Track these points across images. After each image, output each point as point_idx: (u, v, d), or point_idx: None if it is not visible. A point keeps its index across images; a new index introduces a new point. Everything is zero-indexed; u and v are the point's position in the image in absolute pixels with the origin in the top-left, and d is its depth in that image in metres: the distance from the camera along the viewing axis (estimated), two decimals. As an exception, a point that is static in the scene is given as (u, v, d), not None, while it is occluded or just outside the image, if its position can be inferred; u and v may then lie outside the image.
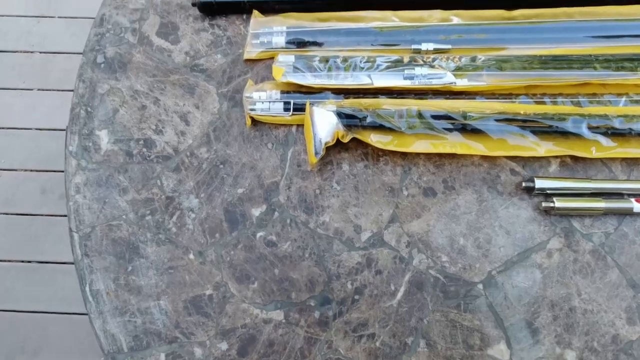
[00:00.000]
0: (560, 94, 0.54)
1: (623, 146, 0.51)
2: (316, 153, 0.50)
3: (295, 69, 0.53)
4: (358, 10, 0.58)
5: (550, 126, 0.50)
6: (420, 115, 0.50)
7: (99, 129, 0.55)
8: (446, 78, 0.53)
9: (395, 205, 0.52)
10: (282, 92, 0.54)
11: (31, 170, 1.48)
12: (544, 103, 0.53)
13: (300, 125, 0.54)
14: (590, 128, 0.50)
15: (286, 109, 0.53)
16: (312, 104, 0.51)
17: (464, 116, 0.50)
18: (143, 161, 0.53)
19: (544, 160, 0.53)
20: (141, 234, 0.51)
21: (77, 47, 1.58)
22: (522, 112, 0.51)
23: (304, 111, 0.52)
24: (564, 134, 0.51)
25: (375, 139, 0.50)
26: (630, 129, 0.50)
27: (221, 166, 0.53)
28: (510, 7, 0.58)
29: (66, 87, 1.53)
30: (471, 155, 0.53)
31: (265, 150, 0.54)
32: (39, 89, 1.55)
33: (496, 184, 0.52)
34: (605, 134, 0.51)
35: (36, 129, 1.51)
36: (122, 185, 0.52)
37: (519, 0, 0.58)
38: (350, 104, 0.51)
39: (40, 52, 1.57)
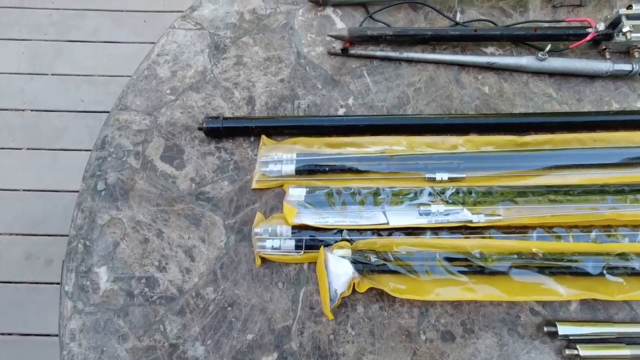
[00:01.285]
0: (575, 226, 0.53)
1: (642, 287, 0.50)
2: (330, 300, 0.47)
3: (306, 205, 0.52)
4: (369, 135, 0.57)
5: (569, 267, 0.49)
6: (438, 259, 0.49)
7: (98, 266, 0.52)
8: (462, 214, 0.51)
9: (413, 352, 0.49)
10: (295, 229, 0.52)
11: (16, 234, 1.43)
12: (559, 237, 0.52)
13: (312, 263, 0.52)
14: (609, 268, 0.49)
15: (298, 247, 0.51)
16: (325, 247, 0.49)
17: (483, 259, 0.49)
18: (145, 303, 0.50)
19: (564, 300, 0.51)
20: (143, 391, 0.47)
21: (69, 105, 1.55)
22: (539, 255, 0.49)
23: (316, 249, 0.50)
24: (584, 275, 0.49)
25: (392, 286, 0.48)
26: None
27: (229, 308, 0.50)
28: (521, 132, 0.58)
29: (56, 146, 1.50)
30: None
31: (275, 291, 0.51)
32: (28, 148, 1.51)
33: (516, 326, 0.50)
34: (625, 274, 0.50)
35: (23, 190, 1.47)
36: (122, 331, 0.49)
37: (530, 126, 0.58)
38: (364, 245, 0.49)
39: (32, 110, 1.54)
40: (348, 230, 0.51)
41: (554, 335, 0.49)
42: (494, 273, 0.49)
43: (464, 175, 0.55)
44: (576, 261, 0.49)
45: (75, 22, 1.61)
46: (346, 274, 0.47)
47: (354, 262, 0.48)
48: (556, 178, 0.55)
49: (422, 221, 0.51)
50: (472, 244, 0.50)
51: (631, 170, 0.56)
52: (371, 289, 0.51)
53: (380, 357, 0.49)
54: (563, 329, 0.48)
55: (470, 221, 0.51)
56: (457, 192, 0.53)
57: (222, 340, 0.49)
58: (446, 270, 0.48)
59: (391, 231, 0.52)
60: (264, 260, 0.52)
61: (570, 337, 0.49)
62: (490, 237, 0.51)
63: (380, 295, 0.51)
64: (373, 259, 0.48)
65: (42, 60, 1.56)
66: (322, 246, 0.49)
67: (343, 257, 0.48)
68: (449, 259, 0.49)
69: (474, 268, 0.49)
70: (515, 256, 0.49)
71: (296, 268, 0.52)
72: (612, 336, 0.49)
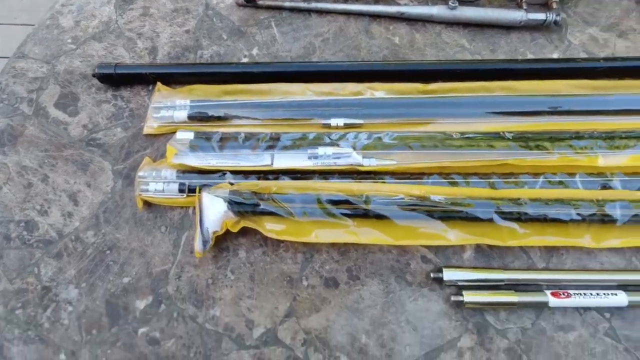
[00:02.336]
0: (475, 174, 0.51)
1: (539, 233, 0.48)
2: (205, 242, 0.46)
3: (193, 147, 0.50)
4: (268, 83, 0.55)
5: (460, 212, 0.47)
6: (319, 201, 0.47)
7: (-21, 209, 0.51)
8: (352, 158, 0.50)
9: (293, 297, 0.47)
10: (180, 172, 0.50)
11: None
12: (455, 184, 0.50)
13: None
14: (501, 214, 0.47)
15: (181, 190, 0.49)
16: (203, 188, 0.47)
17: (366, 201, 0.47)
18: (22, 246, 0.49)
19: (458, 246, 0.49)
20: (8, 331, 0.46)
21: None
22: (429, 197, 0.47)
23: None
24: (476, 220, 0.47)
25: (269, 227, 0.47)
26: (544, 215, 0.47)
27: (108, 252, 0.49)
28: (427, 80, 0.56)
29: None
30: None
31: (157, 235, 0.50)
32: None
33: (405, 273, 0.48)
34: (518, 220, 0.47)
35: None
36: (-4, 273, 0.48)
37: (436, 73, 0.56)
38: (245, 187, 0.47)
39: None
40: (234, 173, 0.50)
41: (441, 281, 0.47)
42: (380, 217, 0.47)
43: (361, 122, 0.53)
44: (467, 205, 0.47)
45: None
46: (219, 212, 0.45)
47: (231, 202, 0.46)
48: (456, 125, 0.53)
49: (309, 164, 0.49)
50: (359, 188, 0.48)
51: (536, 119, 0.54)
52: (255, 234, 0.49)
53: (258, 302, 0.47)
54: (448, 274, 0.46)
55: (360, 164, 0.49)
56: (350, 137, 0.51)
57: (97, 283, 0.48)
58: (327, 212, 0.46)
59: (278, 175, 0.50)
60: (148, 205, 0.50)
61: (459, 284, 0.47)
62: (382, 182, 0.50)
63: (264, 240, 0.49)
64: (250, 199, 0.46)
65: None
66: (199, 186, 0.48)
67: (218, 196, 0.46)
68: (332, 202, 0.47)
69: (358, 211, 0.47)
70: (402, 198, 0.47)
71: (181, 213, 0.50)
72: (502, 283, 0.47)
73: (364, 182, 0.49)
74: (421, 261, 0.49)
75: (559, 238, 0.48)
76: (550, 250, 0.49)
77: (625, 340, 0.47)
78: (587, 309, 0.47)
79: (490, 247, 0.49)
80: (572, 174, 0.51)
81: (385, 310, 0.47)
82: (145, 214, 0.50)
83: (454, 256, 0.49)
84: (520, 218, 0.47)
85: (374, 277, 0.48)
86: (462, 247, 0.49)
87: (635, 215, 0.47)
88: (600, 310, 0.47)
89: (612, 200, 0.48)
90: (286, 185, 0.48)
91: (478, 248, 0.49)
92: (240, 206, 0.46)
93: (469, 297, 0.45)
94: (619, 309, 0.47)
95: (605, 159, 0.50)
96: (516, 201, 0.47)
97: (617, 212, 0.47)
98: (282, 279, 0.48)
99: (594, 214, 0.47)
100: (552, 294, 0.46)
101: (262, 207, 0.46)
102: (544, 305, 0.46)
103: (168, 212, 0.50)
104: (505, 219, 0.47)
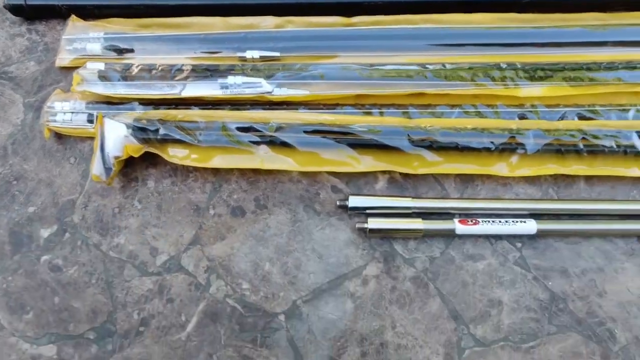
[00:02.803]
0: (392, 105, 0.50)
1: (450, 161, 0.47)
2: (107, 169, 0.45)
3: (103, 78, 0.49)
4: (184, 16, 0.54)
5: (369, 139, 0.46)
6: (225, 128, 0.46)
7: None
8: (263, 87, 0.48)
9: (198, 225, 0.47)
10: (90, 103, 0.49)
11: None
12: (369, 114, 0.49)
13: (105, 138, 0.49)
14: (413, 141, 0.46)
15: (90, 121, 0.48)
16: (105, 115, 0.46)
17: (272, 128, 0.46)
18: None
19: (371, 176, 0.48)
20: None
21: None
22: (337, 123, 0.46)
23: (108, 122, 0.47)
24: (385, 147, 0.46)
25: (172, 154, 0.46)
26: (456, 143, 0.46)
27: (14, 182, 0.48)
28: (349, 14, 0.54)
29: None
30: (289, 172, 0.48)
31: (66, 166, 0.49)
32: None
33: (314, 203, 0.47)
34: (430, 147, 0.46)
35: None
36: None
37: (358, 6, 0.54)
38: (152, 116, 0.46)
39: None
40: (144, 104, 0.49)
41: (348, 210, 0.46)
42: (287, 145, 0.46)
43: (277, 54, 0.52)
44: (377, 132, 0.46)
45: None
46: (119, 137, 0.44)
47: (133, 128, 0.45)
48: (376, 57, 0.52)
49: (218, 93, 0.48)
50: (265, 115, 0.47)
51: (460, 51, 0.52)
52: (165, 164, 0.48)
53: (164, 230, 0.46)
54: (354, 201, 0.45)
55: (270, 92, 0.48)
56: (262, 68, 0.50)
57: (1, 213, 0.47)
58: (232, 140, 0.45)
59: (190, 107, 0.49)
60: (59, 136, 0.50)
61: (367, 212, 0.46)
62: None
63: (173, 171, 0.48)
64: (152, 125, 0.45)
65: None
66: (101, 113, 0.47)
67: (120, 121, 0.45)
68: (238, 129, 0.46)
69: (264, 138, 0.46)
70: (310, 125, 0.46)
71: (91, 144, 0.50)
72: (410, 211, 0.46)
73: (274, 111, 0.48)
74: (331, 191, 0.48)
75: (471, 166, 0.47)
76: (466, 181, 0.48)
77: (534, 269, 0.46)
78: (498, 238, 0.47)
79: (405, 177, 0.48)
80: (492, 105, 0.50)
81: (291, 239, 0.46)
82: (55, 146, 0.50)
83: (366, 186, 0.48)
84: (431, 146, 0.46)
85: (282, 206, 0.47)
86: (374, 178, 0.48)
87: (548, 144, 0.46)
88: (511, 240, 0.47)
89: (527, 129, 0.46)
90: (192, 113, 0.47)
91: (391, 179, 0.48)
92: (142, 132, 0.45)
93: (373, 223, 0.45)
94: (530, 239, 0.47)
95: (526, 90, 0.49)
96: (426, 128, 0.46)
97: (530, 141, 0.46)
98: (190, 208, 0.47)
99: (506, 143, 0.46)
100: (460, 221, 0.45)
101: (164, 132, 0.45)
102: (451, 233, 0.45)
103: (78, 144, 0.50)
104: (415, 146, 0.46)
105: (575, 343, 0.44)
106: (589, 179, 0.49)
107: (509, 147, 0.46)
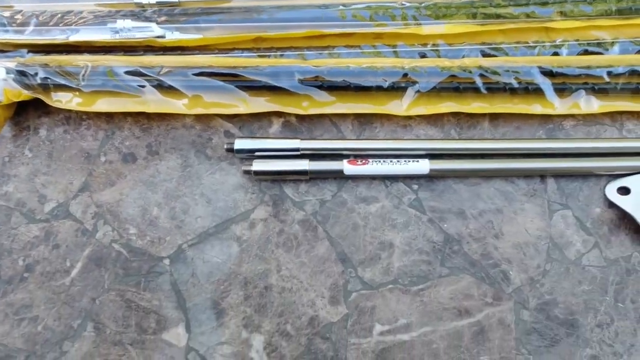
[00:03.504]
0: (290, 48, 0.48)
1: (343, 101, 0.45)
2: (-14, 112, 0.44)
3: (-9, 23, 0.48)
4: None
5: (257, 80, 0.44)
6: (111, 72, 0.45)
7: None
8: (154, 31, 0.47)
9: (88, 172, 0.46)
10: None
11: None
12: (267, 57, 0.47)
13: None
14: (302, 81, 0.44)
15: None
16: (-12, 60, 0.46)
17: (160, 72, 0.45)
18: None
19: (265, 120, 0.47)
20: None
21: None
22: (227, 66, 0.45)
23: (-2, 71, 0.47)
24: (276, 89, 0.45)
25: (55, 98, 0.45)
26: (347, 81, 0.44)
27: None
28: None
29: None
30: (182, 118, 0.47)
31: (-40, 116, 0.48)
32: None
33: (206, 148, 0.46)
34: (321, 87, 0.45)
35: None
36: None
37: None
38: (37, 61, 0.46)
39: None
40: (33, 52, 0.48)
41: (234, 152, 0.45)
42: (175, 88, 0.45)
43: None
44: (264, 72, 0.44)
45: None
46: (-1, 82, 0.44)
47: (15, 72, 0.44)
48: (273, 0, 0.50)
49: (107, 37, 0.47)
50: (154, 60, 0.46)
51: None
52: (58, 113, 0.47)
53: (53, 178, 0.46)
54: (240, 143, 0.44)
55: (162, 37, 0.47)
56: (158, 12, 0.49)
57: None
58: (119, 83, 0.44)
59: (82, 53, 0.48)
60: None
61: (256, 155, 0.45)
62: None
63: (67, 118, 0.48)
64: (33, 69, 0.44)
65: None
66: (-15, 58, 0.46)
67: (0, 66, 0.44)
68: (127, 73, 0.45)
69: (152, 82, 0.45)
70: (198, 69, 0.45)
71: (-15, 95, 0.49)
72: (298, 152, 0.44)
73: (165, 56, 0.47)
74: (224, 136, 0.47)
75: (365, 105, 0.45)
76: (363, 123, 0.47)
77: (430, 211, 0.44)
78: (394, 180, 0.45)
79: (300, 120, 0.47)
80: (392, 45, 0.48)
81: (180, 184, 0.45)
82: (-50, 97, 0.49)
83: (260, 130, 0.47)
84: (322, 85, 0.45)
85: (173, 152, 0.46)
86: (269, 121, 0.47)
87: (444, 82, 0.44)
88: (407, 181, 0.45)
89: (421, 66, 0.45)
90: (78, 58, 0.46)
91: (286, 122, 0.47)
92: (23, 76, 0.44)
93: (258, 165, 0.43)
94: (428, 180, 0.45)
95: (429, 28, 0.47)
96: (316, 67, 0.45)
97: (424, 79, 0.44)
98: (80, 155, 0.46)
99: (400, 81, 0.44)
100: (349, 161, 0.44)
101: (44, 76, 0.44)
102: (340, 174, 0.44)
103: (-27, 95, 0.49)
104: (305, 85, 0.44)
105: (467, 285, 0.43)
106: (493, 119, 0.47)
107: (403, 86, 0.44)
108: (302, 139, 0.45)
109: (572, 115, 0.47)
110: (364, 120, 0.47)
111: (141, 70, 0.45)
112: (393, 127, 0.47)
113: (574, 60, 0.45)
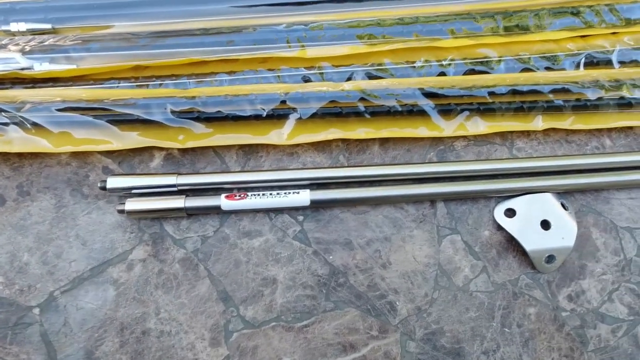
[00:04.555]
0: (172, 76, 0.46)
1: (222, 132, 0.43)
2: None
3: None
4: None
5: (127, 113, 0.42)
6: (-28, 109, 0.42)
7: None
8: (19, 63, 0.44)
9: (-47, 218, 0.43)
10: None
11: None
12: (147, 87, 0.45)
13: None
14: (175, 113, 0.42)
15: None
16: None
17: (20, 108, 0.42)
18: None
19: (146, 153, 0.45)
20: None
21: None
22: (96, 99, 0.42)
23: None
24: (149, 122, 0.42)
25: None
26: (223, 112, 0.42)
27: None
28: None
29: None
30: (58, 154, 0.45)
31: None
32: None
33: (82, 186, 0.44)
34: (197, 119, 0.43)
35: None
36: None
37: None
38: None
39: None
40: None
41: (112, 192, 0.42)
42: (38, 125, 0.42)
43: (49, 26, 0.47)
44: (133, 105, 0.42)
45: None
46: None
47: None
48: (157, 26, 0.48)
49: (-31, 72, 0.44)
50: (18, 95, 0.43)
51: (240, 14, 0.48)
52: None
53: None
54: (113, 182, 0.42)
55: (30, 69, 0.44)
56: (28, 42, 0.46)
57: None
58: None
59: (-54, 88, 0.45)
60: None
61: (133, 193, 0.42)
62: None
63: None
64: None
65: None
66: None
67: None
68: (-11, 111, 0.42)
69: (14, 119, 0.42)
70: (63, 104, 0.42)
71: None
72: (175, 189, 0.42)
73: (30, 90, 0.44)
74: (102, 172, 0.44)
75: (245, 135, 0.43)
76: (248, 153, 0.45)
77: (315, 242, 0.43)
78: (279, 212, 0.44)
79: (182, 153, 0.45)
80: (278, 69, 0.46)
81: (54, 226, 0.43)
82: None
83: (140, 165, 0.45)
84: (199, 117, 0.42)
85: (46, 191, 0.44)
86: (150, 156, 0.45)
87: (325, 107, 0.43)
88: (292, 213, 0.44)
89: (300, 92, 0.43)
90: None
91: (168, 155, 0.45)
92: None
93: (131, 204, 0.41)
94: (314, 211, 0.44)
95: (313, 51, 0.45)
96: (190, 98, 0.42)
97: (303, 105, 0.43)
98: (-55, 200, 0.44)
99: (279, 108, 0.43)
100: (227, 196, 0.42)
101: None
102: (218, 210, 0.42)
103: None
104: (179, 117, 0.42)
105: (352, 319, 0.42)
106: (383, 142, 0.46)
107: (282, 114, 0.43)
108: (179, 174, 0.42)
109: (464, 136, 0.46)
110: (248, 150, 0.45)
111: (1, 106, 0.42)
112: (279, 155, 0.45)
113: (458, 80, 0.44)
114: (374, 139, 0.46)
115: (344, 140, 0.45)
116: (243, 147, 0.45)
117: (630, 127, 0.47)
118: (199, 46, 0.45)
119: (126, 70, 0.46)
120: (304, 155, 0.45)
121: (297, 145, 0.45)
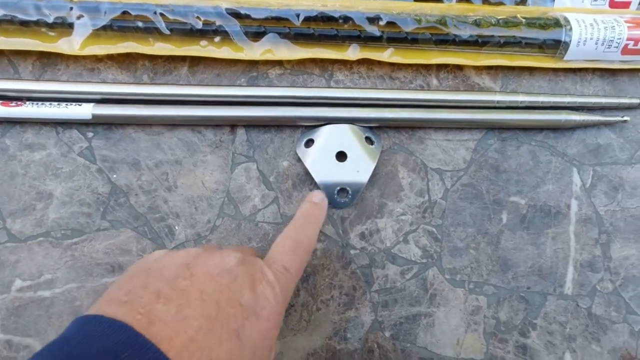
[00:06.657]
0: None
1: (6, 36, 0.41)
2: None
3: None
4: None
5: None
6: None
7: None
8: None
9: None
10: None
11: None
12: None
13: None
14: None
15: None
16: None
17: None
18: None
19: (-64, 58, 0.42)
20: None
21: None
22: None
23: None
24: None
25: None
26: (5, 14, 0.40)
27: None
28: None
29: None
30: None
31: None
32: None
33: None
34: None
35: None
36: None
37: None
38: None
39: None
40: None
41: None
42: None
43: None
44: None
45: None
46: None
47: None
48: None
49: None
50: None
51: None
52: None
53: None
54: None
55: None
56: None
57: None
58: None
59: None
60: None
61: None
62: None
63: None
64: None
65: None
66: None
67: None
68: None
69: None
70: None
71: None
72: None
73: None
74: None
75: (30, 41, 0.41)
76: (45, 65, 0.42)
77: (102, 160, 0.41)
78: (68, 127, 0.41)
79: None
80: None
81: None
82: None
83: None
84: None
85: None
86: None
87: (115, 20, 0.40)
88: (82, 129, 0.41)
89: (94, 2, 0.40)
90: None
91: None
92: None
93: None
94: (106, 129, 0.42)
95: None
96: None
97: (94, 15, 0.40)
98: None
99: (66, 16, 0.40)
100: (2, 103, 0.40)
101: None
102: (-6, 117, 0.40)
103: None
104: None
105: (126, 240, 0.39)
106: (192, 65, 0.43)
107: (72, 22, 0.40)
108: (-46, 78, 0.40)
109: (280, 64, 0.43)
110: (46, 62, 0.42)
111: None
112: (79, 70, 0.43)
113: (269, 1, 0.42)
114: (182, 61, 0.43)
115: (150, 60, 0.43)
116: (40, 59, 0.42)
117: (460, 68, 0.45)
118: None
119: None
120: (105, 72, 0.43)
121: (100, 61, 0.43)
